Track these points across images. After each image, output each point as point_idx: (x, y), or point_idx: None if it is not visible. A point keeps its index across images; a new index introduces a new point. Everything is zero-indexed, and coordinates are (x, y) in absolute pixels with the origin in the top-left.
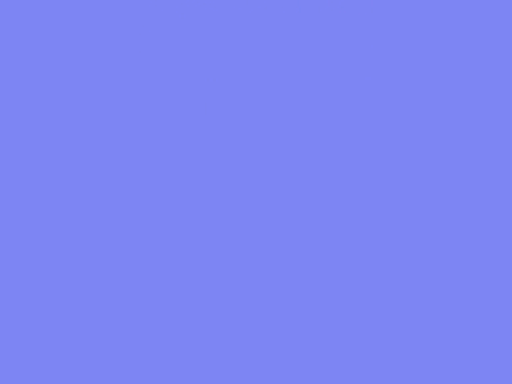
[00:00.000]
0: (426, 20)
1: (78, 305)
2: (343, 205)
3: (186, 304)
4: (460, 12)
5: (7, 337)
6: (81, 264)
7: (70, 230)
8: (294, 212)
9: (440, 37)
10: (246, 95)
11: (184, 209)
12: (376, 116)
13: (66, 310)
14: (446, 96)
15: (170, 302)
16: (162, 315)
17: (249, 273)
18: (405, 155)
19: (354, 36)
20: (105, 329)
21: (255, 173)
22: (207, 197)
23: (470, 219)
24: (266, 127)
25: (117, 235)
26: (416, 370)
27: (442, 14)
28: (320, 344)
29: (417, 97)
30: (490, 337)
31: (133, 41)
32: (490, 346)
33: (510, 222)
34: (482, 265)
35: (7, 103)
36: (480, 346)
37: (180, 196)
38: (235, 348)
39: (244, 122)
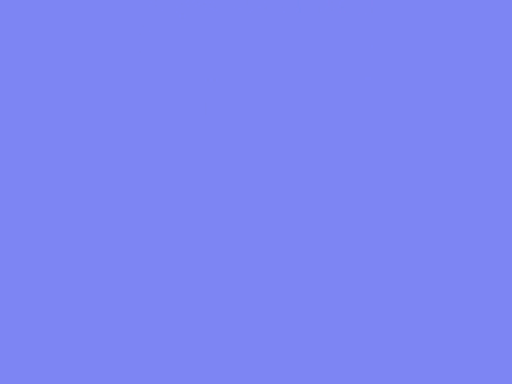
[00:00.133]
0: (426, 20)
1: (78, 305)
2: (343, 205)
3: (186, 304)
4: (460, 12)
5: (7, 337)
6: (81, 264)
7: (70, 230)
8: (294, 212)
9: (440, 37)
10: (246, 95)
11: (184, 208)
12: (376, 116)
13: (66, 310)
14: (446, 96)
15: (170, 302)
16: (162, 315)
17: (249, 273)
18: (405, 155)
19: (354, 36)
20: (105, 329)
21: (255, 172)
22: (207, 197)
23: (469, 219)
24: (266, 127)
25: (117, 235)
26: (416, 370)
27: (442, 14)
28: (320, 344)
29: (417, 97)
30: (490, 337)
31: (133, 41)
32: (490, 346)
33: (510, 222)
34: (482, 265)
35: (7, 103)
36: (480, 345)
37: (180, 196)
38: (235, 348)
39: (244, 122)
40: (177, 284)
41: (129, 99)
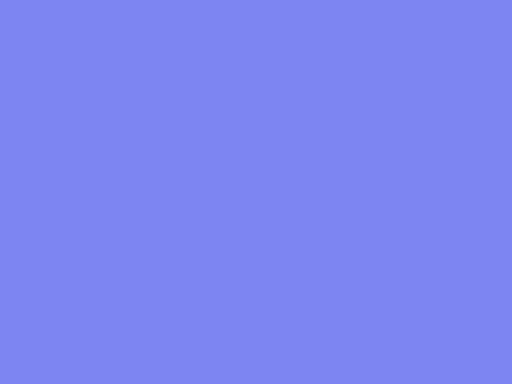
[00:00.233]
0: (426, 20)
1: (78, 305)
2: (343, 205)
3: (186, 304)
4: (460, 12)
5: (7, 337)
6: (81, 264)
7: (70, 230)
8: (294, 212)
9: (440, 37)
10: (246, 95)
11: (184, 208)
12: (376, 116)
13: (66, 310)
14: (446, 96)
15: (170, 302)
16: (162, 315)
17: (249, 273)
18: (405, 155)
19: (354, 36)
20: (105, 329)
21: (255, 172)
22: (207, 197)
23: (470, 219)
24: (266, 127)
25: (117, 235)
26: (416, 370)
27: (442, 14)
28: (320, 344)
29: (417, 97)
30: (490, 337)
31: (133, 41)
32: (490, 346)
33: (510, 222)
34: (482, 265)
35: (7, 103)
36: (480, 346)
37: (180, 196)
38: (235, 348)
39: (244, 122)
40: (177, 284)
41: (129, 99)
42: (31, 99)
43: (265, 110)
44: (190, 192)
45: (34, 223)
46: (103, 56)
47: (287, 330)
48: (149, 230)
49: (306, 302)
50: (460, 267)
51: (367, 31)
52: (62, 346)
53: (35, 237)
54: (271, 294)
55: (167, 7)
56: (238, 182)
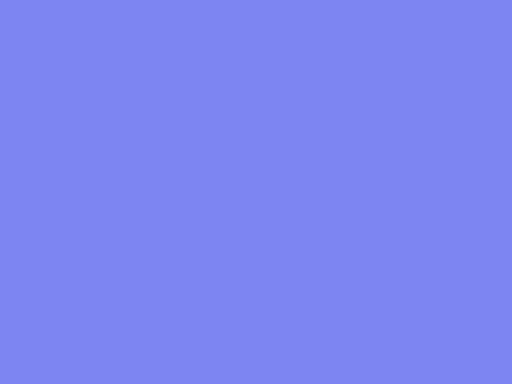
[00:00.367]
0: (426, 20)
1: (78, 305)
2: (343, 205)
3: (186, 304)
4: (460, 12)
5: (7, 337)
6: (81, 264)
7: (70, 230)
8: (294, 212)
9: (440, 37)
10: (246, 95)
11: (184, 209)
12: (376, 116)
13: (66, 310)
14: (446, 96)
15: (170, 302)
16: (162, 315)
17: (249, 273)
18: (405, 155)
19: (354, 36)
20: (105, 329)
21: (255, 172)
22: (207, 197)
23: (470, 219)
24: (266, 127)
25: (117, 235)
26: (416, 370)
27: (442, 14)
28: (320, 344)
29: (417, 97)
30: (490, 337)
31: (133, 41)
32: (490, 346)
33: (510, 222)
34: (482, 265)
35: (7, 103)
36: (480, 346)
37: (180, 196)
38: (235, 348)
39: (244, 122)
40: (177, 284)
41: (129, 99)
42: (31, 99)
43: (265, 109)
44: (190, 192)
45: (33, 223)
46: (103, 56)
47: (287, 330)
48: (149, 230)
49: (306, 301)
50: (460, 267)
51: (367, 31)
52: (62, 346)
53: (35, 237)
54: (271, 294)
55: (167, 7)
56: (238, 182)
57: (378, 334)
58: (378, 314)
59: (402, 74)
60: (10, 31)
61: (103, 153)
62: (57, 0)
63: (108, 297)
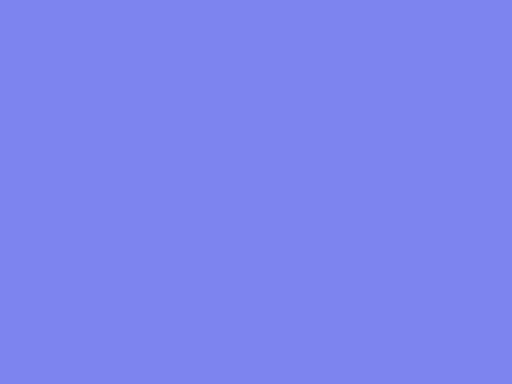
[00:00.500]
0: (426, 20)
1: (78, 305)
2: (343, 205)
3: (186, 304)
4: (460, 12)
5: (7, 337)
6: (81, 264)
7: (70, 230)
8: (294, 212)
9: (440, 37)
10: (246, 95)
11: (184, 209)
12: (376, 116)
13: (66, 310)
14: (446, 96)
15: (170, 302)
16: (162, 315)
17: (249, 273)
18: (405, 155)
19: (354, 36)
20: (105, 329)
21: (255, 173)
22: (207, 197)
23: (470, 219)
24: (266, 127)
25: (117, 235)
26: (416, 370)
27: (442, 14)
28: (320, 344)
29: (417, 97)
30: (490, 337)
31: (133, 41)
32: (490, 346)
33: (510, 222)
34: (482, 265)
35: (7, 103)
36: (480, 346)
37: (180, 196)
38: (235, 348)
39: (244, 122)
40: (177, 284)
41: (129, 99)
42: (31, 99)
43: (265, 109)
44: (190, 192)
45: (33, 223)
46: (103, 56)
47: (287, 330)
48: (149, 230)
49: (306, 301)
50: (460, 267)
51: (367, 31)
52: (62, 346)
53: (35, 237)
54: (271, 294)
55: (167, 7)
56: (238, 182)
57: (378, 333)
58: (378, 314)
59: (402, 74)
60: (10, 31)
61: (103, 152)
62: (57, 0)
63: (108, 297)
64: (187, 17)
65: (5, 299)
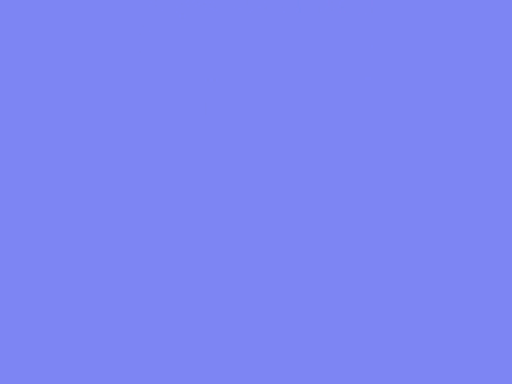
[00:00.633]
0: (426, 20)
1: (78, 305)
2: (343, 205)
3: (186, 304)
4: (460, 12)
5: (7, 337)
6: (81, 264)
7: (70, 230)
8: (294, 212)
9: (440, 37)
10: (246, 95)
11: (184, 209)
12: (376, 116)
13: (66, 310)
14: (446, 96)
15: (170, 302)
16: (162, 315)
17: (249, 273)
18: (405, 155)
19: (354, 36)
20: (105, 329)
21: (255, 173)
22: (207, 197)
23: (470, 219)
24: (266, 127)
25: (117, 235)
26: (416, 370)
27: (442, 14)
28: (320, 344)
29: (417, 97)
30: (490, 337)
31: (133, 41)
32: (490, 346)
33: (510, 222)
34: (482, 265)
35: (7, 103)
36: (480, 346)
37: (180, 196)
38: (235, 348)
39: (244, 122)
40: (177, 284)
41: (129, 99)
42: (31, 99)
43: (265, 109)
44: (190, 192)
45: (33, 223)
46: (103, 56)
47: (287, 330)
48: (149, 230)
49: (306, 302)
50: (460, 267)
51: (367, 31)
52: (62, 346)
53: (35, 237)
54: (271, 294)
55: (167, 7)
56: (238, 182)
57: (378, 333)
58: (378, 314)
59: (402, 74)
60: (10, 31)
61: (103, 152)
62: (57, 0)
63: (108, 296)
64: (187, 17)
65: (5, 299)
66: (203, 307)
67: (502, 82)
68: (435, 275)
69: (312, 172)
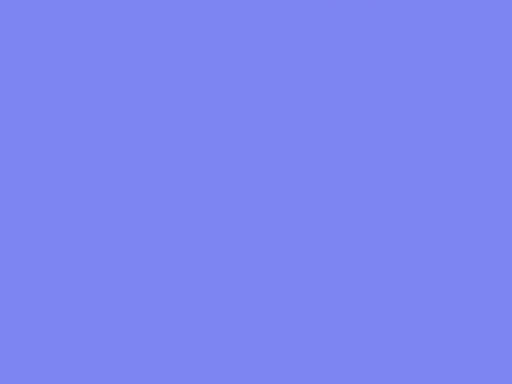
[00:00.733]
0: (426, 20)
1: (78, 305)
2: (343, 205)
3: (186, 304)
4: (460, 12)
5: (7, 337)
6: (81, 264)
7: (70, 230)
8: (294, 212)
9: (440, 37)
10: (246, 95)
11: (184, 209)
12: (376, 116)
13: (66, 310)
14: (446, 96)
15: (170, 302)
16: (162, 315)
17: (249, 273)
18: (405, 155)
19: (354, 36)
20: (105, 329)
21: (255, 173)
22: (207, 197)
23: (470, 219)
24: (266, 127)
25: (117, 235)
26: (416, 370)
27: (442, 14)
28: (320, 344)
29: (417, 97)
30: (490, 337)
31: (133, 41)
32: (490, 346)
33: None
34: (482, 265)
35: (7, 103)
36: (480, 346)
37: (180, 196)
38: (235, 348)
39: (244, 122)
40: (177, 284)
41: (129, 99)
42: (31, 99)
43: (265, 109)
44: (190, 192)
45: (33, 223)
46: (103, 56)
47: (287, 330)
48: (149, 230)
49: (306, 302)
50: (460, 267)
51: (367, 31)
52: (62, 346)
53: (35, 237)
54: (271, 295)
55: (167, 7)
56: (238, 182)
57: (378, 334)
58: (378, 314)
59: (402, 74)
60: (10, 31)
61: (103, 152)
62: (57, 0)
63: (108, 296)
64: (187, 17)
65: (5, 299)
66: (203, 307)
67: (502, 81)
68: (435, 275)
69: (312, 172)
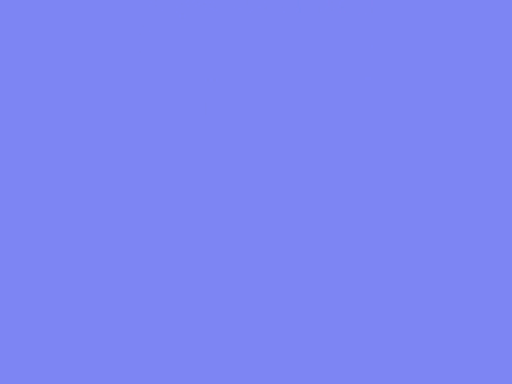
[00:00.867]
0: (426, 20)
1: (78, 305)
2: (343, 205)
3: (186, 304)
4: (460, 12)
5: (7, 337)
6: (81, 264)
7: (70, 230)
8: (294, 212)
9: (440, 37)
10: (246, 95)
11: (184, 209)
12: (376, 116)
13: (66, 310)
14: (446, 96)
15: (170, 302)
16: (161, 315)
17: (249, 273)
18: (405, 155)
19: (354, 36)
20: (105, 329)
21: (255, 173)
22: (207, 197)
23: (470, 219)
24: (266, 127)
25: (117, 235)
26: (416, 370)
27: (442, 14)
28: (320, 344)
29: (417, 97)
30: (490, 337)
31: (133, 41)
32: (490, 346)
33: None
34: (482, 265)
35: (7, 103)
36: (480, 346)
37: (180, 196)
38: (235, 348)
39: (244, 122)
40: (177, 284)
41: (129, 99)
42: (31, 99)
43: (265, 110)
44: (190, 192)
45: (33, 223)
46: (103, 56)
47: (287, 330)
48: (149, 230)
49: (306, 302)
50: (460, 267)
51: (367, 31)
52: (62, 346)
53: (35, 237)
54: (271, 295)
55: (167, 7)
56: (238, 182)
57: (378, 334)
58: (378, 314)
59: (402, 74)
60: (10, 31)
61: (103, 152)
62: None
63: (108, 297)
64: (187, 17)
65: (5, 299)
66: (203, 307)
67: (502, 81)
68: (435, 275)
69: (312, 171)
